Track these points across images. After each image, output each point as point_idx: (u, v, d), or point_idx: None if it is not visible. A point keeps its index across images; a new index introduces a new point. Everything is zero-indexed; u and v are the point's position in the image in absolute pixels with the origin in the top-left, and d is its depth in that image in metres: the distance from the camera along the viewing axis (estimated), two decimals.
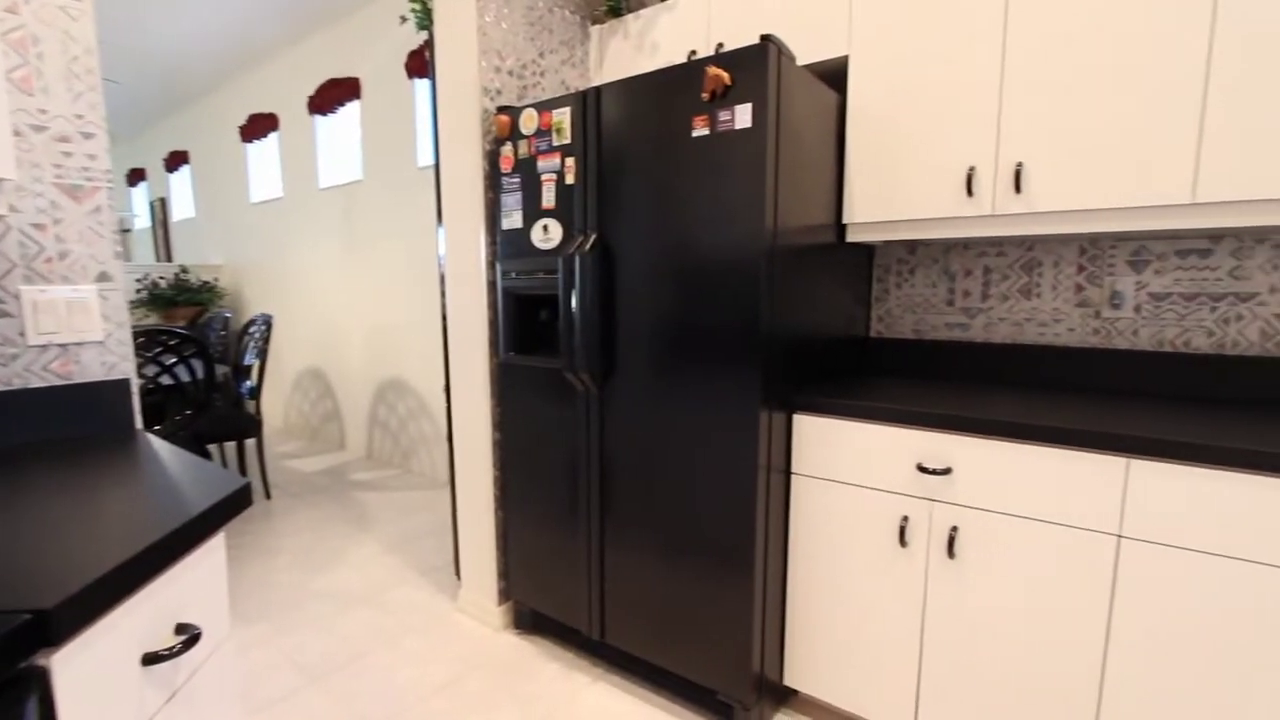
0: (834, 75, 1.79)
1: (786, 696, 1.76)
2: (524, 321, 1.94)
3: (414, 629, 2.14)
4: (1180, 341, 1.60)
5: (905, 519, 1.44)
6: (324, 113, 4.33)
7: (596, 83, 2.18)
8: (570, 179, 1.72)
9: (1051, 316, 1.75)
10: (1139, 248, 1.63)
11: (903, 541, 1.45)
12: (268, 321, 3.43)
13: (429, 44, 2.25)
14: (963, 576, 1.39)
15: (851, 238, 1.75)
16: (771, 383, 1.50)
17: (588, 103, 1.66)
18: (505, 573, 2.14)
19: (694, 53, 1.97)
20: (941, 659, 1.44)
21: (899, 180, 1.64)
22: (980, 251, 1.83)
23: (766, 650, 1.61)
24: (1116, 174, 1.37)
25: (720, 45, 1.91)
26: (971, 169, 1.51)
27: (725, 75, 1.37)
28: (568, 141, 1.71)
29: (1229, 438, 1.15)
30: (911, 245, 1.94)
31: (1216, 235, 1.53)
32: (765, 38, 1.35)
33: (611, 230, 1.66)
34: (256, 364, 3.44)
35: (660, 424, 1.63)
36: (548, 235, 1.79)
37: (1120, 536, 1.22)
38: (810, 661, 1.64)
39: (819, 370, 1.75)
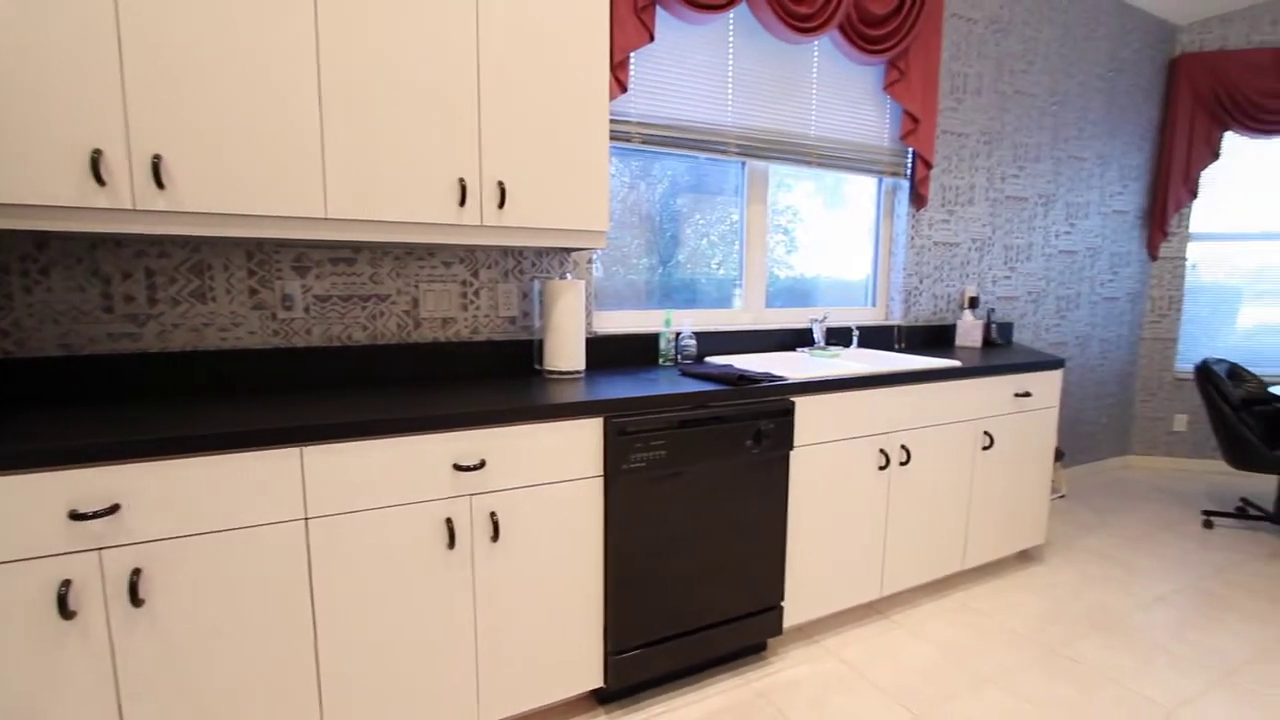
0: None
1: None
2: None
3: None
4: (345, 336, 1.87)
5: (67, 583, 1.14)
6: None
7: None
8: None
9: (231, 320, 1.73)
10: (300, 254, 1.79)
11: (66, 613, 1.14)
12: None
13: None
14: (134, 632, 1.21)
15: None
16: None
17: None
18: None
19: None
20: None
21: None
22: (138, 251, 1.61)
23: None
24: (268, 184, 1.43)
25: None
26: (98, 152, 1.28)
27: None
28: None
29: (378, 412, 1.42)
30: (40, 239, 1.53)
31: (357, 247, 1.85)
32: None
33: None
34: None
35: None
36: None
37: (307, 519, 1.32)
38: None
39: None
